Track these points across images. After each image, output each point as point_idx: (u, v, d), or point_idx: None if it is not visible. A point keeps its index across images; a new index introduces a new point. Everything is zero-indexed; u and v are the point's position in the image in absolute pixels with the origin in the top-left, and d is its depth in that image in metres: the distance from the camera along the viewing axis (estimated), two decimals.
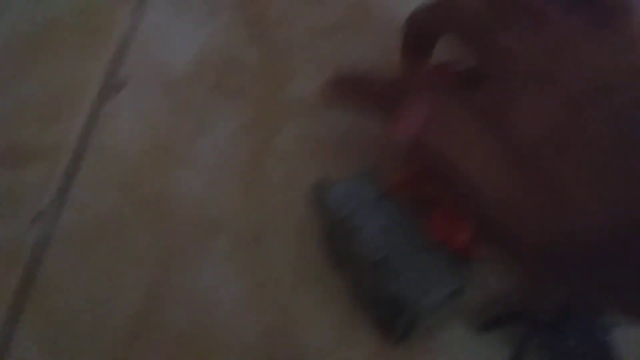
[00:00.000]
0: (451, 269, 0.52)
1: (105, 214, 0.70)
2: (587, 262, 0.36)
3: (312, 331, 0.60)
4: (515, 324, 0.55)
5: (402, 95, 0.46)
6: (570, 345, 0.53)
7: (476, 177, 0.40)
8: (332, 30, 0.79)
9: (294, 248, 0.64)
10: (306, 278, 0.62)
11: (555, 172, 0.36)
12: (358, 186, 0.57)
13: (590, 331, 0.53)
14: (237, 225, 0.66)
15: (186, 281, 0.64)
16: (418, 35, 0.54)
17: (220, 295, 0.63)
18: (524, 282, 0.56)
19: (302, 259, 0.63)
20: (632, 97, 0.35)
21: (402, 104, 0.45)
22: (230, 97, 0.76)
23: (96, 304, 0.64)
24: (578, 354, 0.53)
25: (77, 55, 0.83)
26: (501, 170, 0.39)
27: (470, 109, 0.41)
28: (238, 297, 0.62)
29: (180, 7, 0.84)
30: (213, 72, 0.79)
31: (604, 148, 0.35)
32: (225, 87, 0.77)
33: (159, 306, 0.63)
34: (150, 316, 0.63)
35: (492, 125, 0.40)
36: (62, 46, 0.84)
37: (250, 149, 0.71)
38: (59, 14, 0.85)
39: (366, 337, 0.59)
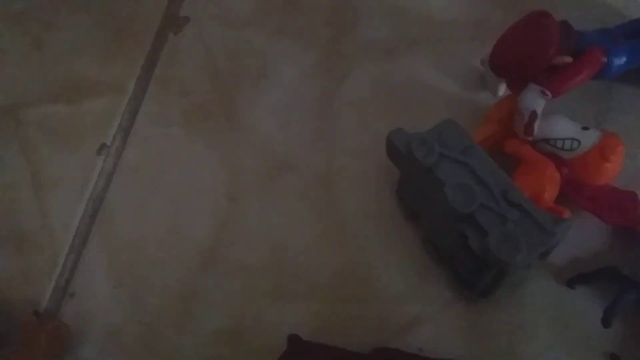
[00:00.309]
0: (541, 226, 0.49)
1: (170, 148, 0.69)
2: None
3: (383, 278, 0.60)
4: (605, 280, 0.55)
5: None
6: None
7: None
8: None
9: (366, 193, 0.64)
10: (378, 224, 0.62)
11: None
12: (442, 137, 0.54)
13: None
14: (307, 166, 0.66)
15: (256, 218, 0.64)
16: None
17: (290, 234, 0.63)
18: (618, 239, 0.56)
19: (374, 204, 0.63)
20: None
21: None
22: (295, 39, 0.75)
23: (162, 236, 0.65)
24: None
25: None
26: None
27: None
28: (308, 238, 0.62)
29: None
30: (277, 13, 0.77)
31: None
32: (289, 29, 0.76)
33: (228, 242, 0.63)
34: (220, 251, 0.63)
35: None
36: None
37: (318, 93, 0.70)
38: None
39: (440, 288, 0.59)
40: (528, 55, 0.56)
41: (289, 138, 0.68)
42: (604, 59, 0.57)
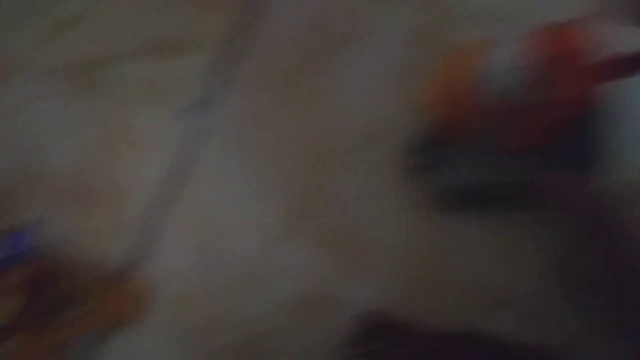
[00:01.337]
0: None
1: (259, 110, 0.67)
2: None
3: (468, 260, 0.55)
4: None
5: None
6: None
7: None
8: None
9: None
10: None
11: None
12: None
13: None
14: (393, 136, 0.61)
15: (339, 187, 0.61)
16: None
17: (372, 207, 0.59)
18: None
19: None
20: None
21: None
22: (395, 2, 0.69)
23: (247, 201, 0.63)
24: None
25: None
26: None
27: None
28: (390, 212, 0.58)
29: None
30: None
31: None
32: None
33: (308, 212, 0.61)
34: (299, 221, 0.61)
35: None
36: None
37: (416, 59, 0.64)
38: None
39: (529, 273, 0.53)
40: None
41: (377, 106, 0.63)
42: None
